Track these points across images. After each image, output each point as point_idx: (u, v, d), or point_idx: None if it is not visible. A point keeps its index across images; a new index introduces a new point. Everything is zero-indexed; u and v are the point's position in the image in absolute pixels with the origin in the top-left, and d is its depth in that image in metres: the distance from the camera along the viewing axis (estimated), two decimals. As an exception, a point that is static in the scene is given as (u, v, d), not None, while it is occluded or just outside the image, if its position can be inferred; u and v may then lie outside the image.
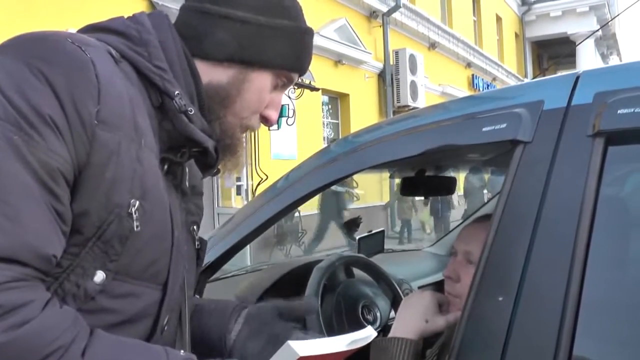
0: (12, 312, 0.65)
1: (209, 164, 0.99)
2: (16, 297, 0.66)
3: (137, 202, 0.81)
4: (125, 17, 0.94)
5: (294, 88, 9.21)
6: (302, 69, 1.03)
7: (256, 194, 7.03)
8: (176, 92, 0.88)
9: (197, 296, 1.25)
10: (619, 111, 0.96)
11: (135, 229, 0.81)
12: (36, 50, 0.76)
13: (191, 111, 0.90)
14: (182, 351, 0.85)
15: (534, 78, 1.42)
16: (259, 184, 8.39)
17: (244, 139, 1.02)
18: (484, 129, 1.12)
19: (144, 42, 0.89)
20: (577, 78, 1.08)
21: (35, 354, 0.66)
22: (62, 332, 0.69)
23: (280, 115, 8.97)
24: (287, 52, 0.98)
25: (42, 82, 0.73)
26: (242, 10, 0.94)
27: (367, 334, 0.90)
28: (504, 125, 1.09)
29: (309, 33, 1.02)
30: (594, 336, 0.94)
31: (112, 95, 0.79)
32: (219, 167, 1.02)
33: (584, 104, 1.02)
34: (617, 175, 1.07)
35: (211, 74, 0.95)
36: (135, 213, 0.81)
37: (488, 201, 2.59)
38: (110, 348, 0.74)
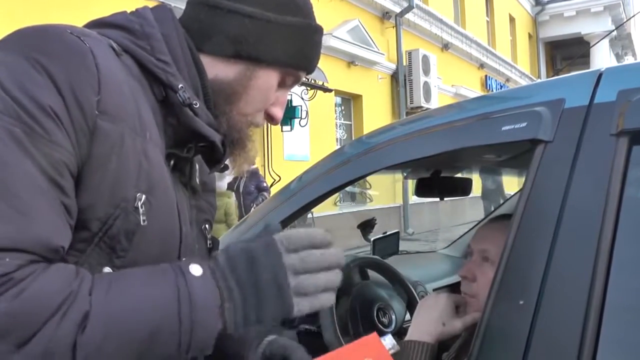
0: (22, 281, 0.64)
1: (216, 158, 0.97)
2: (23, 271, 0.65)
3: (144, 196, 0.79)
4: (128, 11, 0.92)
5: (307, 89, 9.23)
6: (310, 68, 1.00)
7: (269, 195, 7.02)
8: (180, 86, 0.86)
9: None
10: (643, 109, 0.93)
11: (142, 222, 0.79)
12: (35, 42, 0.75)
13: (196, 104, 0.88)
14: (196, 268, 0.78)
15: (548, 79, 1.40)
16: (272, 185, 8.41)
17: (252, 134, 1.00)
18: (503, 128, 1.10)
19: (147, 36, 0.87)
20: (600, 75, 1.05)
21: (50, 303, 0.65)
22: (68, 280, 0.67)
23: (293, 117, 9.00)
24: (296, 50, 0.96)
25: (41, 74, 0.72)
26: (251, 5, 0.92)
27: None
28: (524, 124, 1.07)
29: (318, 31, 0.99)
30: (619, 341, 0.91)
31: (113, 86, 0.77)
32: (228, 162, 1.00)
33: (607, 102, 0.99)
34: (642, 175, 1.04)
35: (217, 69, 0.93)
36: (141, 207, 0.79)
37: (504, 202, 2.56)
38: (115, 283, 0.71)
